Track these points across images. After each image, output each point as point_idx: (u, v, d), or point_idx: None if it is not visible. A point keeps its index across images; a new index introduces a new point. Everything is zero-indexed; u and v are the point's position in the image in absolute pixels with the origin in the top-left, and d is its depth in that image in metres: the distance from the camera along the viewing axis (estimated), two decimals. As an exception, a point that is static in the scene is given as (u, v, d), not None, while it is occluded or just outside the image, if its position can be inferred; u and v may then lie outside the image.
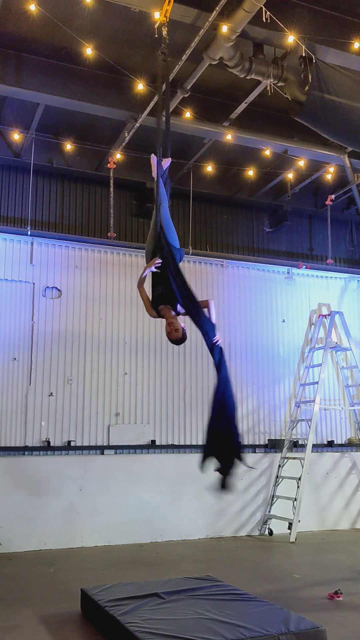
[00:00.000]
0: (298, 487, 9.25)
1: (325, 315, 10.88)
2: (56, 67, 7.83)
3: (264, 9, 6.16)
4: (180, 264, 5.36)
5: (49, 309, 9.26)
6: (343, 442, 10.76)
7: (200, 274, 10.25)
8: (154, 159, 5.67)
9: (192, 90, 7.76)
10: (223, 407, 5.10)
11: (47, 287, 9.32)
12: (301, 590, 6.30)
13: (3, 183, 9.46)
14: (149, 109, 7.91)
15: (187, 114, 8.22)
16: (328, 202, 10.66)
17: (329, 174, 10.10)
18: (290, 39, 6.66)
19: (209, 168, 9.81)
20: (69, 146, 9.12)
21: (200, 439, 9.79)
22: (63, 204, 9.80)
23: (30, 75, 7.75)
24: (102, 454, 9.13)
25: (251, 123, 8.79)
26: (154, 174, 5.64)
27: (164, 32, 5.87)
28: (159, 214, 5.36)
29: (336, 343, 10.81)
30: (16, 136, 8.78)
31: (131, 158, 9.39)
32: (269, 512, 9.68)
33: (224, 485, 5.06)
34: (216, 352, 5.17)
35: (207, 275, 10.35)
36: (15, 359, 8.95)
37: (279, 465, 9.83)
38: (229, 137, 8.66)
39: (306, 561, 7.82)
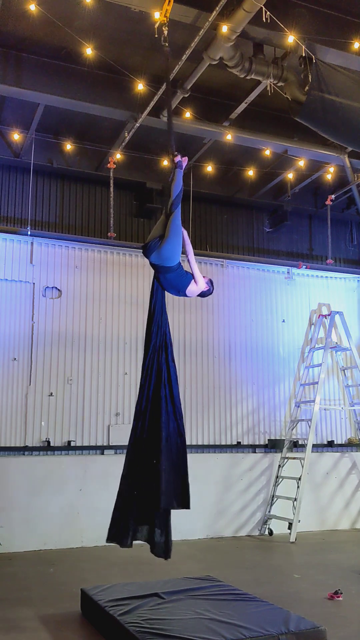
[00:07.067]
0: (298, 487, 9.25)
1: (325, 315, 10.88)
2: (56, 67, 7.83)
3: (264, 9, 6.16)
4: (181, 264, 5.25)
5: (49, 309, 9.26)
6: (343, 442, 10.76)
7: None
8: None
9: (192, 90, 7.75)
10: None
11: (47, 287, 9.32)
12: (301, 590, 6.29)
13: (3, 183, 9.46)
14: (149, 109, 7.91)
15: (187, 114, 8.22)
16: (328, 202, 10.65)
17: (329, 174, 10.10)
18: (290, 39, 6.66)
19: (209, 168, 9.80)
20: (69, 146, 9.12)
21: (199, 438, 9.80)
22: (63, 204, 9.80)
23: (30, 75, 7.75)
24: (102, 454, 9.13)
25: (251, 123, 8.79)
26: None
27: (165, 32, 5.85)
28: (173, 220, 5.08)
29: (336, 343, 10.81)
30: (16, 136, 8.78)
31: (131, 158, 9.39)
32: (269, 512, 9.67)
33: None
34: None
35: (207, 275, 10.29)
36: (15, 359, 8.95)
37: (279, 465, 9.83)
38: (229, 137, 8.65)
39: (306, 561, 7.82)
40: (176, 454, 4.89)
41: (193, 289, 5.19)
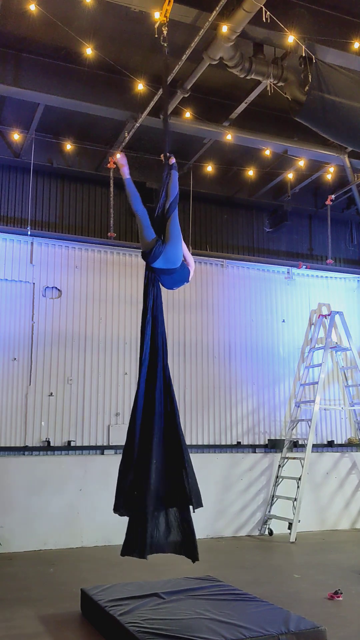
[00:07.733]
0: (298, 487, 9.25)
1: (325, 315, 10.88)
2: (56, 67, 7.83)
3: (264, 9, 6.16)
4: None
5: (49, 309, 9.26)
6: (343, 442, 10.76)
7: (200, 274, 10.25)
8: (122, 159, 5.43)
9: (192, 90, 7.75)
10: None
11: (47, 287, 9.32)
12: (301, 590, 6.29)
13: (3, 183, 9.46)
14: (149, 109, 7.91)
15: (187, 114, 8.22)
16: (328, 202, 10.65)
17: (329, 174, 10.10)
18: (290, 39, 6.66)
19: (209, 168, 9.80)
20: (69, 146, 9.12)
21: (199, 438, 9.80)
22: (63, 204, 9.80)
23: (30, 75, 7.75)
24: (102, 454, 9.13)
25: (251, 123, 8.79)
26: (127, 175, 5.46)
27: (164, 32, 5.85)
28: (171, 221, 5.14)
29: (336, 343, 10.81)
30: (16, 136, 8.78)
31: (131, 158, 9.35)
32: (269, 512, 9.67)
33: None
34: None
35: (207, 275, 10.35)
36: (15, 359, 8.95)
37: (279, 465, 9.83)
38: (229, 137, 8.65)
39: (306, 561, 7.82)
40: (188, 453, 4.89)
41: (192, 274, 5.32)
